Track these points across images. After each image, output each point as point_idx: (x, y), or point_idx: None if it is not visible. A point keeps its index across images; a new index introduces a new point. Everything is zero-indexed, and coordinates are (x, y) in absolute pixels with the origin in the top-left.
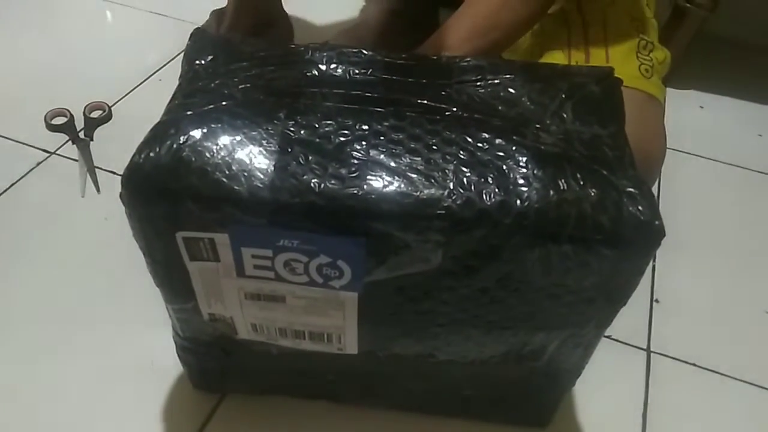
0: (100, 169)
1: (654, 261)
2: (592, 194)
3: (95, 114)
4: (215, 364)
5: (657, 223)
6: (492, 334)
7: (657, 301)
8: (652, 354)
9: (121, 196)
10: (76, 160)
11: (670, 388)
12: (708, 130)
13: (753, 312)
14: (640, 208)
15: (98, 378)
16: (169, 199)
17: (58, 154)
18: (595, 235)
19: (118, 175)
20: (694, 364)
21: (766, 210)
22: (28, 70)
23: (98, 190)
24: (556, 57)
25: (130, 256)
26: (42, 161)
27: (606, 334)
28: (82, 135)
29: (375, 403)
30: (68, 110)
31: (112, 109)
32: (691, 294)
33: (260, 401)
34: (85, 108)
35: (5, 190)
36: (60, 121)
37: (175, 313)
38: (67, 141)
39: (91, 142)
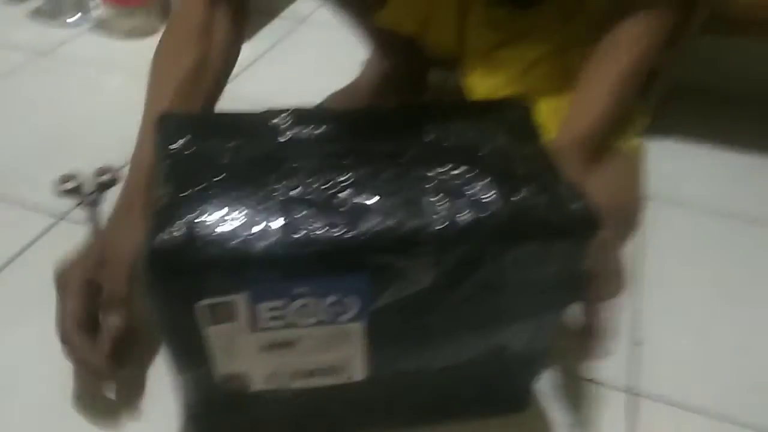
0: None
1: (636, 303)
2: (543, 200)
3: (104, 177)
4: (224, 423)
5: (595, 214)
6: (479, 333)
7: (639, 343)
8: (633, 396)
9: (144, 279)
10: (85, 224)
11: (654, 430)
12: (686, 178)
13: (736, 354)
14: (580, 205)
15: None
16: (193, 272)
17: (68, 219)
18: (552, 232)
19: None
20: (676, 405)
21: (745, 255)
22: (35, 135)
23: None
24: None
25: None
26: (51, 226)
27: (588, 377)
28: (91, 199)
29: (374, 427)
30: (77, 175)
31: (120, 172)
32: (673, 336)
33: None
34: (94, 172)
35: (16, 256)
36: (69, 185)
37: (186, 382)
38: (77, 205)
39: (101, 206)
